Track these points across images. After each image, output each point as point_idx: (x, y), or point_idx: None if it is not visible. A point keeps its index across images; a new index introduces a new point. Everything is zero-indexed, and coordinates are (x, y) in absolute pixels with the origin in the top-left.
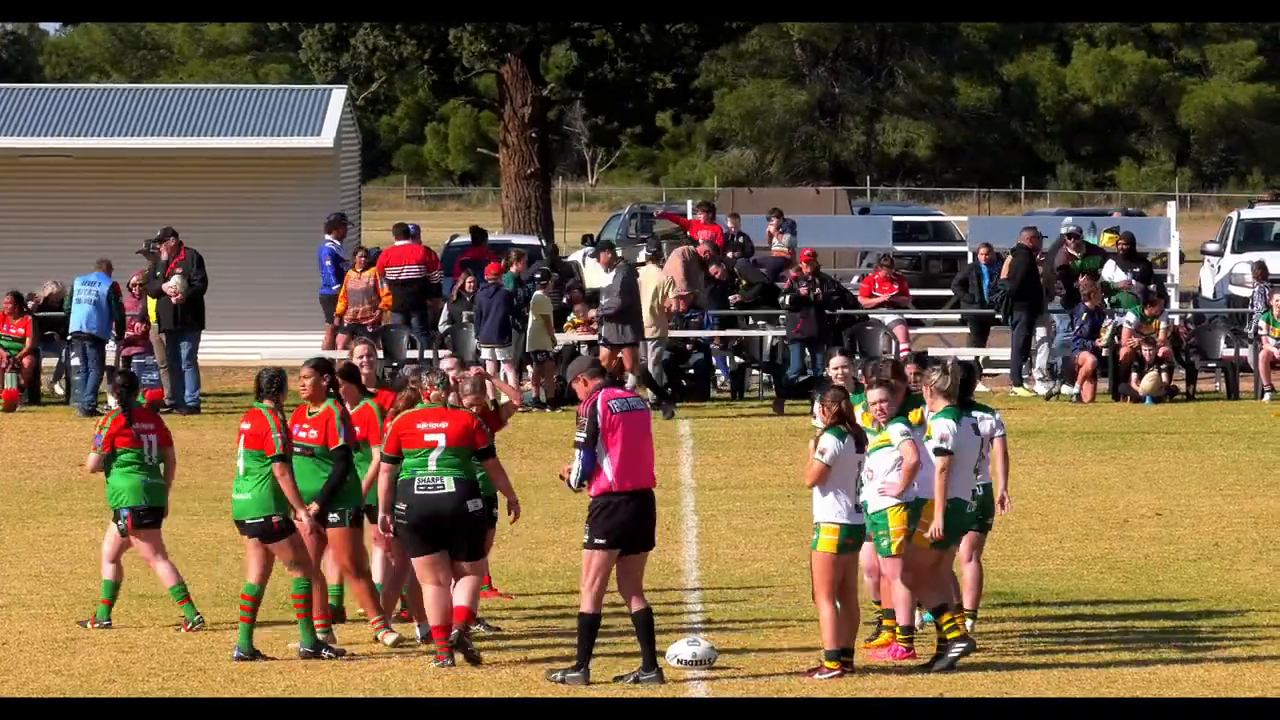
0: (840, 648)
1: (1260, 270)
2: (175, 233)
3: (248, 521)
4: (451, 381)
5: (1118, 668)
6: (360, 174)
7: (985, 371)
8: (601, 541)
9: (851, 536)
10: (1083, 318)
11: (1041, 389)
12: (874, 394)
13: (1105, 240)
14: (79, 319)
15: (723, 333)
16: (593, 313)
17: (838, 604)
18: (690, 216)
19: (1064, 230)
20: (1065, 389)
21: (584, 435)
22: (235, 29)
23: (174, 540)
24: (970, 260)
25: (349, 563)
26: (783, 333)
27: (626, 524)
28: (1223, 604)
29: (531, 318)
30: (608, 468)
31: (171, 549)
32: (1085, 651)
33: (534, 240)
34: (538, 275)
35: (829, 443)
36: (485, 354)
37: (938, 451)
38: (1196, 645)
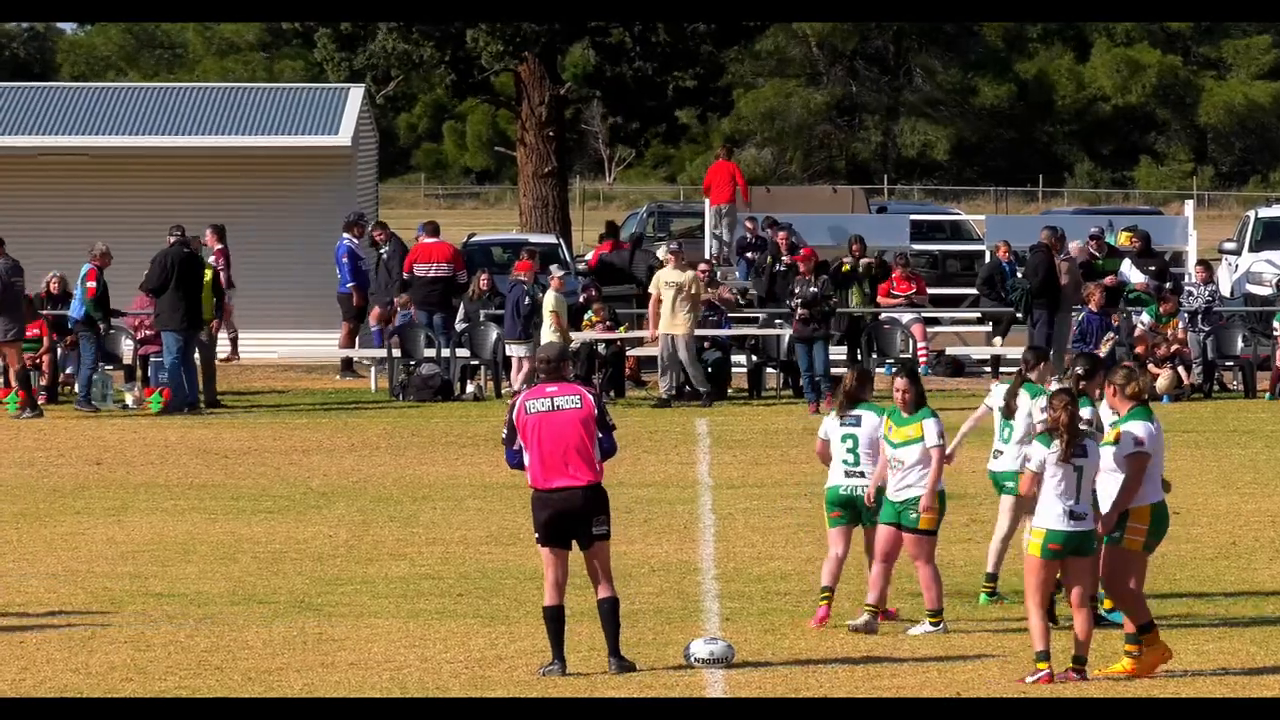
0: (1083, 653)
1: (1205, 271)
2: (177, 228)
3: None
4: None
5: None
6: (378, 173)
7: (1001, 370)
8: (538, 537)
9: (1054, 541)
10: (1082, 319)
11: (1055, 388)
12: (899, 382)
13: (1121, 239)
14: (70, 312)
15: (739, 331)
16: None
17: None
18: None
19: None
20: None
21: (505, 431)
22: (248, 26)
23: (191, 539)
24: (989, 259)
25: None
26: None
27: (553, 521)
28: (1240, 603)
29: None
30: (530, 466)
31: (188, 547)
32: (1101, 650)
33: (551, 239)
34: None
35: (1036, 451)
36: (512, 350)
37: (1137, 455)
38: (1213, 644)
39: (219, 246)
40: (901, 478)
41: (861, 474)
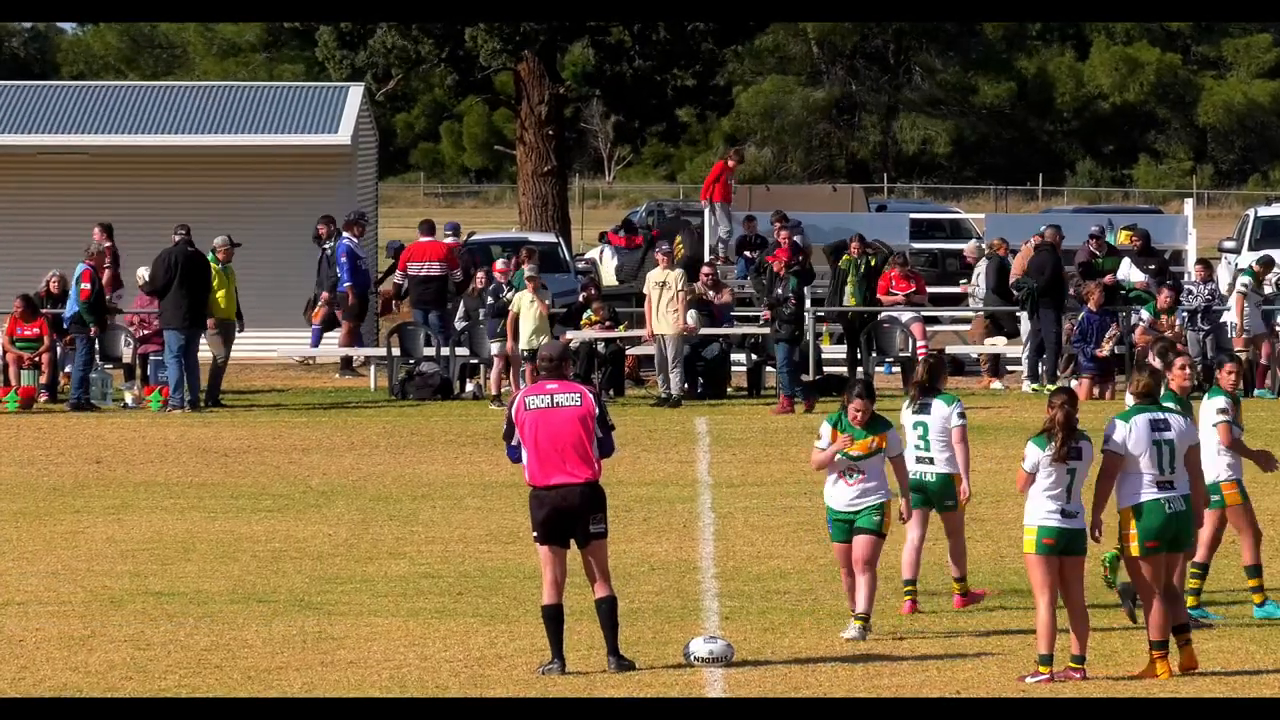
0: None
1: (1205, 270)
2: (182, 227)
3: None
4: None
5: (1132, 666)
6: (377, 171)
7: (1003, 369)
8: (536, 535)
9: (1047, 536)
10: (1081, 318)
11: (1052, 387)
12: (857, 403)
13: (1121, 238)
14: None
15: (740, 330)
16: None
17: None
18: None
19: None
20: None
21: (505, 426)
22: (249, 26)
23: (191, 537)
24: (989, 260)
25: None
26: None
27: (550, 518)
28: (1238, 599)
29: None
30: (528, 463)
31: (188, 546)
32: (1100, 649)
33: (550, 238)
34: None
35: (1030, 450)
36: (494, 348)
37: (1103, 454)
38: (1213, 644)
39: (107, 244)
40: (864, 487)
41: (931, 460)
